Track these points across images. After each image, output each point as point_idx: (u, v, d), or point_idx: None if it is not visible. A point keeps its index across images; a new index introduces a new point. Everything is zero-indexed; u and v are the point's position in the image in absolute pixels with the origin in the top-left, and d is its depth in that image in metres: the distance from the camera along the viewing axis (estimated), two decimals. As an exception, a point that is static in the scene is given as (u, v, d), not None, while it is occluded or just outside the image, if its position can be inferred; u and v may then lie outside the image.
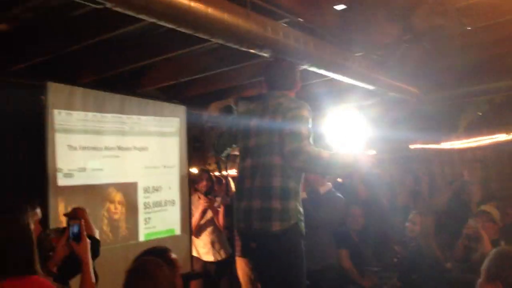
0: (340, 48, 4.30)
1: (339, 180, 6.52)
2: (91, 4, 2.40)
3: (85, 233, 2.39)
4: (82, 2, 2.37)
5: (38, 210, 2.42)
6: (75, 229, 2.37)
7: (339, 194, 4.76)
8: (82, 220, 2.41)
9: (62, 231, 2.37)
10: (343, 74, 4.52)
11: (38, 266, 1.94)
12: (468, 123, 7.53)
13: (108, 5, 2.42)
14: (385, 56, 4.65)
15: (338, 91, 6.57)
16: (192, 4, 2.81)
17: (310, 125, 2.71)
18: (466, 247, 4.44)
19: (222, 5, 3.08)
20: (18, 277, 1.84)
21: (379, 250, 5.64)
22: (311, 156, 2.59)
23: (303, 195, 4.51)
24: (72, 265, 2.35)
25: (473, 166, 6.04)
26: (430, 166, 8.30)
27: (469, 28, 3.87)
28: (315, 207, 4.41)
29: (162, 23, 2.80)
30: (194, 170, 9.87)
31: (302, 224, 2.77)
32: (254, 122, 2.86)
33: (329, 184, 4.62)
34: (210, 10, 2.94)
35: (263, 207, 2.69)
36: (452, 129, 7.63)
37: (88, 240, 2.39)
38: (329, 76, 4.59)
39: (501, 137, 7.66)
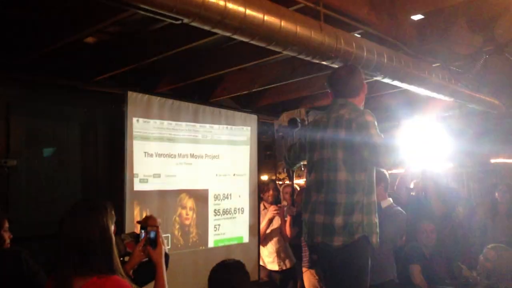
0: (416, 58, 4.17)
1: (412, 193, 6.29)
2: (170, 20, 2.50)
3: (161, 239, 2.47)
4: (162, 18, 2.47)
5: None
6: (152, 235, 2.45)
7: (399, 208, 4.64)
8: (159, 227, 2.49)
9: (136, 236, 2.47)
10: (419, 85, 4.37)
11: (119, 267, 2.01)
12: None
13: (186, 20, 2.52)
14: (464, 67, 4.44)
15: (416, 102, 6.37)
16: (266, 18, 2.85)
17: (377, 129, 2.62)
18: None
19: (295, 18, 3.09)
20: (100, 276, 1.91)
21: (453, 268, 5.38)
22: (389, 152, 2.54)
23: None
24: (147, 270, 2.44)
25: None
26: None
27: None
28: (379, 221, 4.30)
29: (236, 36, 2.86)
30: (265, 177, 10.04)
31: (375, 236, 2.70)
32: (319, 135, 2.84)
33: (390, 199, 4.52)
34: (283, 24, 2.96)
35: (325, 222, 2.67)
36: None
37: (163, 247, 2.47)
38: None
39: None
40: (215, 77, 5.02)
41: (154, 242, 2.44)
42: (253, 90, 5.19)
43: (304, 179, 4.69)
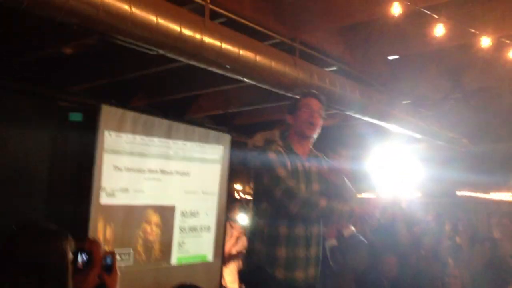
0: (388, 96, 4.30)
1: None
2: (146, 51, 2.54)
3: (117, 265, 2.47)
4: (140, 49, 2.51)
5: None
6: (108, 260, 2.45)
7: (361, 238, 4.76)
8: (115, 253, 2.49)
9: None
10: (389, 122, 4.50)
11: None
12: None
13: (161, 52, 2.56)
14: (432, 108, 4.59)
15: (387, 131, 6.50)
16: (241, 52, 2.92)
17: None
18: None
19: (270, 52, 3.17)
20: None
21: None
22: None
23: (333, 242, 4.54)
24: None
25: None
26: (476, 216, 8.01)
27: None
28: (341, 251, 4.42)
29: (212, 69, 2.91)
30: (239, 187, 10.23)
31: (279, 270, 2.50)
32: None
33: (352, 228, 4.65)
34: (258, 58, 3.04)
35: None
36: (503, 179, 7.36)
37: (118, 273, 2.47)
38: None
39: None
40: (191, 95, 5.06)
41: (109, 268, 2.44)
42: (229, 111, 5.25)
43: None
